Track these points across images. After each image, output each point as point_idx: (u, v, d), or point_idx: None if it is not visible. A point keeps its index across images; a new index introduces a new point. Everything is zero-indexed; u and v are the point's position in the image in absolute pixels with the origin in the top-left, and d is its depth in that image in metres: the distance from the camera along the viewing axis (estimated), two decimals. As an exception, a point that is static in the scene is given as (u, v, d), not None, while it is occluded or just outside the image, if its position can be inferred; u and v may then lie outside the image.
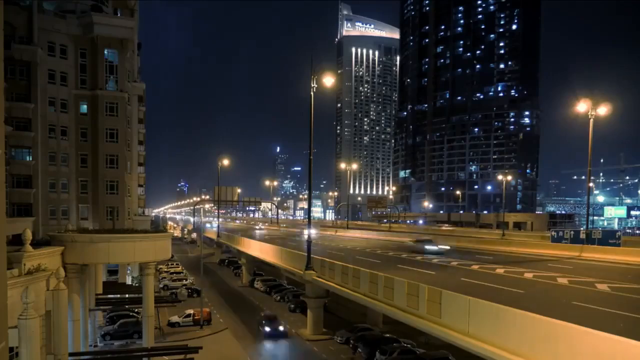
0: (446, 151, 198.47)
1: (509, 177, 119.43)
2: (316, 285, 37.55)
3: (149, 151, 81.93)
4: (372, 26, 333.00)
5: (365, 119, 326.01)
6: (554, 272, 31.55)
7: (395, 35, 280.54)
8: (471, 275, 30.73)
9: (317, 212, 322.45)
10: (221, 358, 35.38)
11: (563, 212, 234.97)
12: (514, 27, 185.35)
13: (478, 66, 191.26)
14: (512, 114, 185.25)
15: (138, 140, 62.88)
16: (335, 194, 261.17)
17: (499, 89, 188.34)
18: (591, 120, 42.75)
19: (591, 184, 72.66)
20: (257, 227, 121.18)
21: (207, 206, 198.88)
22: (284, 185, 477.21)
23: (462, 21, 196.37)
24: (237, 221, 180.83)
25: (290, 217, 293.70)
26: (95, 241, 28.65)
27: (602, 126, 50.36)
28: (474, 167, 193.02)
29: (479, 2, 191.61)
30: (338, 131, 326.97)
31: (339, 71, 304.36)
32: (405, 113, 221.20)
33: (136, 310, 40.82)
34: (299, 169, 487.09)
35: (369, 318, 43.05)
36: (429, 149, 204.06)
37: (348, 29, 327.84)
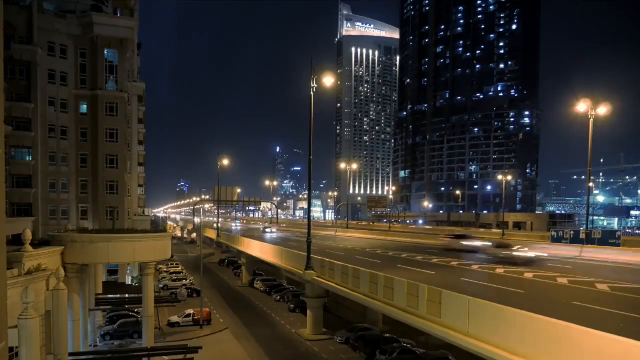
0: (446, 151, 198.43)
1: (509, 177, 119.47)
2: (316, 285, 37.55)
3: (149, 151, 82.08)
4: (372, 26, 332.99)
5: (365, 119, 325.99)
6: (554, 272, 31.53)
7: (395, 35, 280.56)
8: (471, 275, 30.72)
9: (317, 212, 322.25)
10: (221, 358, 35.37)
11: (563, 212, 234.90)
12: (514, 27, 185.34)
13: (478, 66, 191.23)
14: (512, 114, 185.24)
15: (138, 140, 62.94)
16: (335, 194, 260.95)
17: (499, 89, 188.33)
18: (591, 120, 42.74)
19: (591, 184, 72.68)
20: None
21: (207, 206, 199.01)
22: (283, 185, 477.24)
23: (462, 21, 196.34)
24: (237, 221, 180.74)
25: (290, 217, 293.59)
26: (95, 241, 28.64)
27: (602, 126, 50.34)
28: (474, 167, 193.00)
29: (479, 2, 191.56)
30: (338, 131, 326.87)
31: (339, 71, 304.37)
32: (405, 113, 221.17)
33: (136, 310, 40.83)
34: (299, 169, 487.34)
35: (368, 318, 43.04)
36: (429, 149, 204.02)
37: (348, 29, 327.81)
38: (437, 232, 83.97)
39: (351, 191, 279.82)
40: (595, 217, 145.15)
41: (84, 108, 48.84)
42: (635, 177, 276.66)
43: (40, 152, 45.75)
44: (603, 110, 42.54)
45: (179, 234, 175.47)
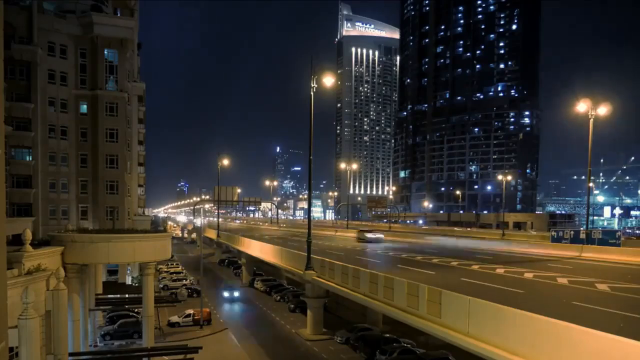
0: (446, 151, 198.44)
1: (509, 177, 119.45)
2: (316, 285, 37.53)
3: (149, 151, 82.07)
4: (372, 26, 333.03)
5: (365, 119, 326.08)
6: (554, 272, 31.54)
7: (395, 35, 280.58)
8: (471, 275, 30.72)
9: (317, 212, 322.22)
10: (221, 358, 35.36)
11: (563, 212, 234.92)
12: (514, 27, 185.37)
13: (478, 66, 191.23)
14: (512, 114, 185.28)
15: (138, 140, 62.93)
16: (335, 194, 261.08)
17: (499, 89, 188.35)
18: (591, 120, 42.75)
19: (591, 184, 72.67)
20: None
21: (207, 206, 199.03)
22: (283, 185, 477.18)
23: (462, 21, 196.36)
24: (237, 221, 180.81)
25: (290, 217, 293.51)
26: (95, 241, 28.62)
27: (603, 126, 50.38)
28: (474, 167, 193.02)
29: (479, 2, 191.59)
30: (338, 131, 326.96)
31: (339, 71, 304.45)
32: (405, 113, 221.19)
33: (136, 310, 40.80)
34: (299, 169, 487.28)
35: (368, 318, 43.02)
36: (429, 149, 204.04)
37: (348, 29, 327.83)
38: (437, 231, 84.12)
39: (351, 191, 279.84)
40: (595, 217, 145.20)
41: (84, 108, 48.81)
42: (636, 179, 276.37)
43: (40, 152, 45.73)
44: (603, 110, 42.55)
45: (178, 233, 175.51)
